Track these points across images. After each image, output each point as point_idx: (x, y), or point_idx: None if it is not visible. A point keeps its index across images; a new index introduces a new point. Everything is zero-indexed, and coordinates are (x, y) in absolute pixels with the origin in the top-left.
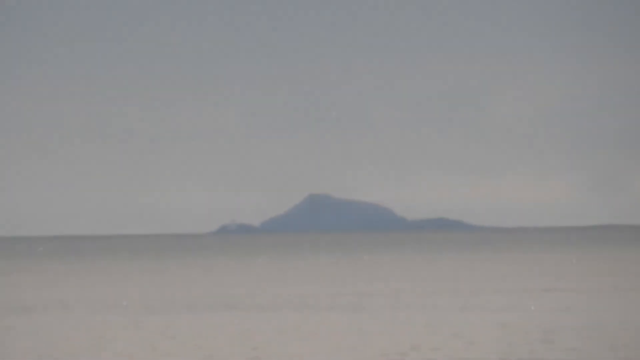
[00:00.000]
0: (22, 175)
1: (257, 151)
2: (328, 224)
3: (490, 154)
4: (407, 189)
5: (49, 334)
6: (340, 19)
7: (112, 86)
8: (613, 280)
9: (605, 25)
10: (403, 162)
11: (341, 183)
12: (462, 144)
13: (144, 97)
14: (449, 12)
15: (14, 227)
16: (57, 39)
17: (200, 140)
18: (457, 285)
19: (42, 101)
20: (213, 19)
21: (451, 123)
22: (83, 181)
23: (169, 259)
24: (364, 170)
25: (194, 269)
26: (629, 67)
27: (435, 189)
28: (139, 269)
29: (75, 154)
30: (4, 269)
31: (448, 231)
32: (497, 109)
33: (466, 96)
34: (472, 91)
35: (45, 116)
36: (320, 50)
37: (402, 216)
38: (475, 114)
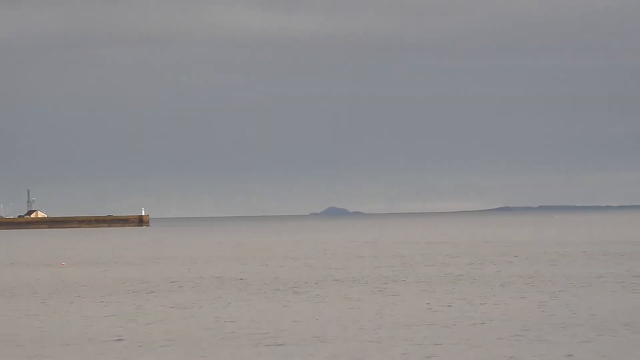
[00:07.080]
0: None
1: (316, 192)
2: (335, 215)
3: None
4: (351, 201)
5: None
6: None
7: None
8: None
9: None
10: (351, 192)
11: (339, 201)
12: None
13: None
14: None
15: None
16: None
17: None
18: (365, 232)
19: None
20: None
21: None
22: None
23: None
24: (344, 196)
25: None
26: None
27: (364, 202)
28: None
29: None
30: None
31: (365, 217)
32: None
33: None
34: None
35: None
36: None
37: (350, 210)
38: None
